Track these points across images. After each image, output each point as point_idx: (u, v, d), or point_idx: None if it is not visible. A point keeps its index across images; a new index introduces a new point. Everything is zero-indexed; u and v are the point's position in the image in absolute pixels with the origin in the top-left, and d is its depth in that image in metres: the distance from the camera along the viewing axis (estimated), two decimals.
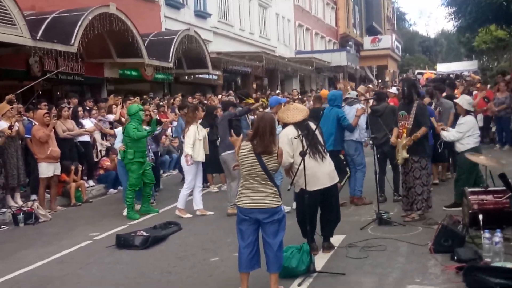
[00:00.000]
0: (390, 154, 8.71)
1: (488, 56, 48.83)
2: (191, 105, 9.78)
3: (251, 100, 11.13)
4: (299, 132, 6.09)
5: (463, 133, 7.92)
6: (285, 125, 6.34)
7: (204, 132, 9.25)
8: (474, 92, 16.26)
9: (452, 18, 26.15)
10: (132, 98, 15.45)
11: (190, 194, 9.19)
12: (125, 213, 9.43)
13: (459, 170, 8.27)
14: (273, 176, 5.11)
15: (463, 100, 8.13)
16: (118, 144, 9.87)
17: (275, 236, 5.09)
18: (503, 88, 14.48)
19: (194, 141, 8.90)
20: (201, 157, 9.01)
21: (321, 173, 6.18)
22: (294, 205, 8.83)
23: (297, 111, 6.33)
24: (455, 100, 8.48)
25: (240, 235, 5.19)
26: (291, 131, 6.17)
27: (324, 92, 12.37)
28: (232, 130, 5.79)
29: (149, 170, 9.59)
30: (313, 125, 6.27)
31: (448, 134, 8.13)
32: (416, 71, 48.49)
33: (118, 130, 10.27)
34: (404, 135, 7.61)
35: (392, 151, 8.30)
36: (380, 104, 9.39)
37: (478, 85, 16.57)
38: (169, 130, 14.34)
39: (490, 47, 39.48)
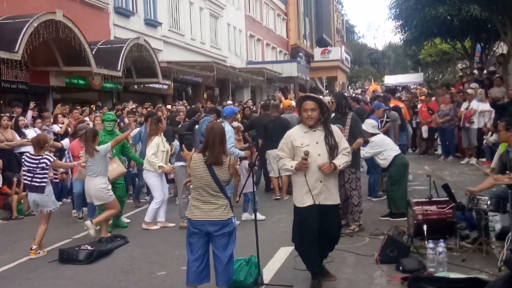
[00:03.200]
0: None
1: (433, 69, 50.38)
2: (154, 117, 9.61)
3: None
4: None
5: (377, 150, 8.49)
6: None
7: (167, 145, 9.08)
8: (419, 105, 16.74)
9: (398, 31, 26.91)
10: (79, 107, 15.12)
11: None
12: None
13: (391, 181, 8.58)
14: (225, 188, 5.06)
15: (367, 126, 8.67)
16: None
17: (225, 249, 5.03)
18: (447, 100, 14.89)
19: (156, 152, 8.71)
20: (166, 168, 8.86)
21: None
22: (244, 216, 8.86)
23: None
24: (362, 127, 8.65)
25: (190, 248, 5.10)
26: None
27: (287, 102, 12.52)
28: (183, 145, 5.64)
29: (119, 185, 9.14)
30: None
31: (363, 152, 8.51)
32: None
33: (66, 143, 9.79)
34: None
35: None
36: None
37: (422, 97, 17.00)
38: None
39: (435, 60, 40.71)
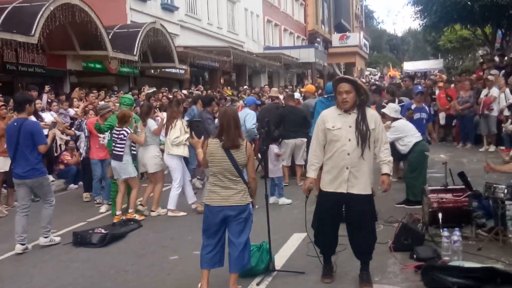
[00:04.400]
0: None
1: (453, 55, 49.74)
2: (175, 99, 9.64)
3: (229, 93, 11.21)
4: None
5: (398, 135, 8.29)
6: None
7: (187, 129, 9.01)
8: (437, 91, 16.50)
9: (418, 17, 26.58)
10: (95, 91, 15.17)
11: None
12: (102, 210, 9.26)
13: (410, 168, 8.43)
14: (243, 172, 5.02)
15: (390, 109, 8.49)
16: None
17: (240, 235, 5.01)
18: (467, 86, 14.67)
19: (179, 136, 8.60)
20: (186, 152, 8.83)
21: None
22: (271, 199, 8.89)
23: None
24: (382, 110, 8.56)
25: (206, 234, 5.08)
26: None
27: (310, 87, 12.43)
28: (193, 132, 5.60)
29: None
30: None
31: None
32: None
33: None
34: None
35: None
36: None
37: (441, 83, 16.76)
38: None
39: (455, 46, 40.20)
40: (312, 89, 12.02)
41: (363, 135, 5.09)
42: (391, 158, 5.24)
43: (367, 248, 5.31)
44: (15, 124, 7.03)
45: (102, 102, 12.75)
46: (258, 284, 5.37)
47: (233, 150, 4.96)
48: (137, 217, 8.47)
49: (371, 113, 5.26)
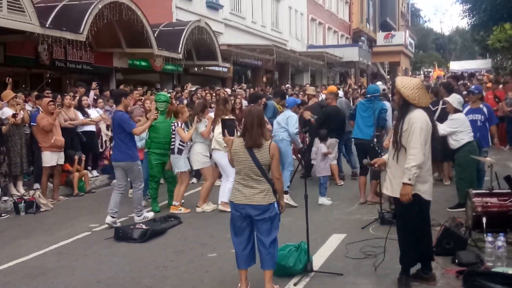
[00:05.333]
0: None
1: (502, 55, 48.28)
2: (222, 98, 9.79)
3: None
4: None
5: (454, 129, 7.92)
6: (405, 107, 5.11)
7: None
8: (485, 92, 16.04)
9: (466, 15, 25.96)
10: (140, 88, 15.42)
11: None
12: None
13: (459, 169, 8.14)
14: (267, 172, 5.02)
15: (453, 99, 8.11)
16: (141, 141, 9.50)
17: (268, 234, 5.01)
18: None
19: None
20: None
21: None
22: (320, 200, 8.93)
23: (426, 92, 5.22)
24: (445, 99, 8.34)
25: (234, 231, 5.13)
26: (426, 116, 5.06)
27: (332, 88, 12.32)
28: (226, 130, 5.59)
29: (170, 178, 9.33)
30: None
31: (438, 127, 7.98)
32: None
33: None
34: None
35: None
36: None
37: (489, 84, 16.32)
38: None
39: (505, 46, 38.95)
40: (334, 90, 11.80)
41: (396, 138, 5.05)
42: (412, 164, 4.86)
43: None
44: (112, 115, 8.12)
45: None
46: (295, 285, 5.34)
47: (255, 149, 4.97)
48: (183, 210, 8.80)
49: (412, 115, 5.01)
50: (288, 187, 8.97)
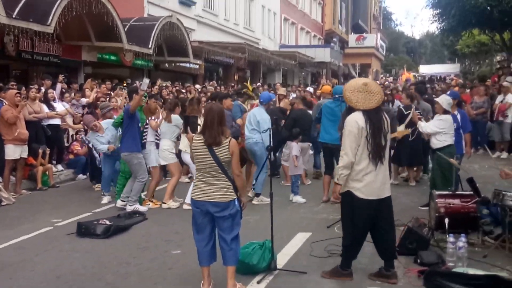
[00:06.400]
0: None
1: (471, 60, 49.28)
2: (195, 97, 9.86)
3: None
4: (367, 124, 5.10)
5: (441, 129, 7.90)
6: (350, 109, 5.29)
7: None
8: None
9: (436, 20, 26.31)
10: (108, 82, 15.23)
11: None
12: (104, 201, 9.29)
13: (439, 168, 7.98)
14: (227, 169, 4.99)
15: (443, 100, 8.11)
16: (107, 137, 9.37)
17: (230, 232, 5.00)
18: (481, 92, 14.50)
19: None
20: None
21: (377, 180, 5.23)
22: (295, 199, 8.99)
23: (371, 94, 5.17)
24: (435, 99, 8.42)
25: (195, 228, 5.11)
26: (360, 119, 5.13)
27: (327, 87, 12.39)
28: (188, 127, 5.53)
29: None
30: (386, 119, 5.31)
31: (425, 125, 8.11)
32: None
33: (107, 122, 9.59)
34: None
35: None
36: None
37: (456, 88, 16.59)
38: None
39: (473, 51, 39.83)
40: (328, 90, 11.93)
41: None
42: (339, 165, 5.20)
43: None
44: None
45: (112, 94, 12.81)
46: (258, 283, 5.32)
47: (215, 146, 4.94)
48: (151, 205, 8.86)
49: (348, 117, 5.22)
50: (253, 187, 9.00)
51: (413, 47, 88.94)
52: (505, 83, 14.38)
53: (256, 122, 9.02)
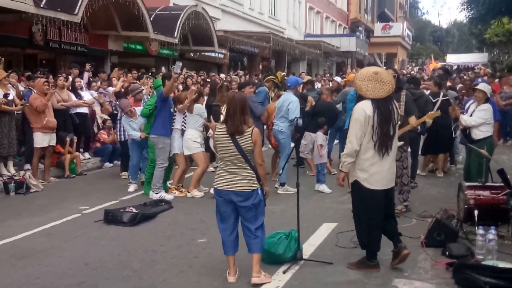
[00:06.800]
0: (414, 140, 8.62)
1: (499, 49, 48.30)
2: (224, 84, 10.01)
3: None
4: (375, 113, 5.03)
5: (485, 120, 7.69)
6: (360, 97, 5.24)
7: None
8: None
9: (464, 8, 25.89)
10: (135, 72, 15.32)
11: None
12: (131, 189, 9.34)
13: (476, 158, 7.61)
14: (250, 158, 4.98)
15: (486, 87, 7.93)
16: (138, 124, 9.43)
17: (254, 221, 5.00)
18: (511, 82, 14.21)
19: None
20: None
21: (383, 171, 5.17)
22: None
23: (381, 83, 5.08)
24: (478, 87, 8.04)
25: (219, 217, 5.12)
26: (368, 107, 5.06)
27: (352, 75, 12.32)
28: (211, 116, 5.51)
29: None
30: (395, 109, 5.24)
31: (469, 118, 7.78)
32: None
33: (140, 109, 9.50)
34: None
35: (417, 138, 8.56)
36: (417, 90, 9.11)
37: (485, 77, 16.29)
38: None
39: (502, 40, 39.00)
40: (353, 78, 11.82)
41: None
42: (343, 153, 5.19)
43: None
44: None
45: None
46: (284, 272, 5.31)
47: (238, 136, 4.93)
48: (177, 193, 8.84)
49: (356, 105, 5.24)
50: (280, 175, 8.96)
51: (440, 36, 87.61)
52: None
53: (286, 109, 8.96)
